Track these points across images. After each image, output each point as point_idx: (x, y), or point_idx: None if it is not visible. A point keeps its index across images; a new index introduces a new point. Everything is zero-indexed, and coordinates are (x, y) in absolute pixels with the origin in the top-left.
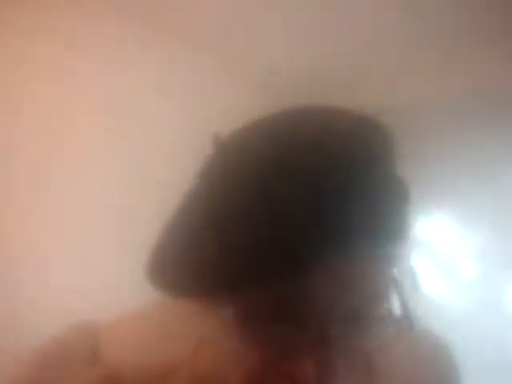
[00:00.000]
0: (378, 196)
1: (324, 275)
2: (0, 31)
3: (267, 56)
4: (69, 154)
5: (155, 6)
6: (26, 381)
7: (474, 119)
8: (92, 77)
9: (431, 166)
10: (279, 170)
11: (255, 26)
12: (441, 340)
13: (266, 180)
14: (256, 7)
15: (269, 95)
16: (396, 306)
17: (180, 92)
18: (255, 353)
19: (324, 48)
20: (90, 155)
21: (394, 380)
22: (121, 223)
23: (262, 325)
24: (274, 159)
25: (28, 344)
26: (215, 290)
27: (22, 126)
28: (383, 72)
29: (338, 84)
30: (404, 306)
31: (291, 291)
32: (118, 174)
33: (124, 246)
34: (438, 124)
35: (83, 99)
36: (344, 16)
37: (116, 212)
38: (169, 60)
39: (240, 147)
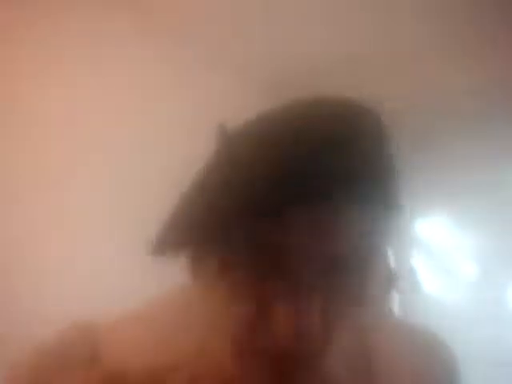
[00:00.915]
0: (370, 165)
1: (306, 223)
2: None
3: (270, 54)
4: (65, 155)
5: (158, 4)
6: (25, 381)
7: (473, 119)
8: (91, 76)
9: (431, 166)
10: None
11: (258, 24)
12: (440, 339)
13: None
14: (260, 5)
15: (269, 93)
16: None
17: (181, 90)
18: (238, 300)
19: (324, 47)
20: (88, 154)
21: (393, 379)
22: (120, 222)
23: (243, 274)
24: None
25: (27, 344)
26: (205, 238)
27: (20, 125)
28: (383, 72)
29: (338, 83)
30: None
31: (272, 238)
32: (119, 176)
33: (124, 245)
34: (438, 125)
35: (82, 98)
36: (345, 15)
37: (115, 211)
38: (169, 57)
39: (251, 134)
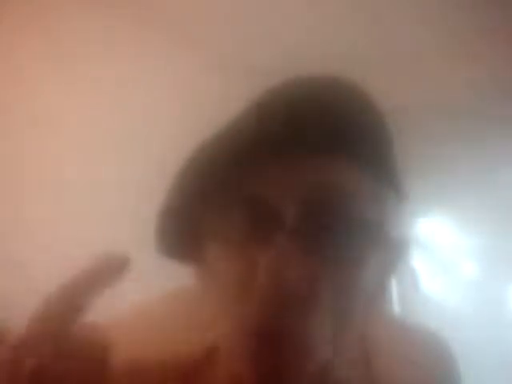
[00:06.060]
0: (363, 126)
1: (293, 172)
2: None
3: (263, 54)
4: (66, 153)
5: (149, 2)
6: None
7: (474, 119)
8: (91, 74)
9: (431, 166)
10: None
11: (250, 23)
12: (440, 339)
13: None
14: (254, 4)
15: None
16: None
17: (173, 89)
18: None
19: (323, 47)
20: (89, 152)
21: (393, 379)
22: (124, 222)
23: (234, 232)
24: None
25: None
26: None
27: (19, 124)
28: (383, 72)
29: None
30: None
31: (258, 189)
32: (119, 175)
33: (128, 245)
34: (438, 124)
35: (81, 95)
36: (343, 15)
37: (118, 210)
38: (167, 57)
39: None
